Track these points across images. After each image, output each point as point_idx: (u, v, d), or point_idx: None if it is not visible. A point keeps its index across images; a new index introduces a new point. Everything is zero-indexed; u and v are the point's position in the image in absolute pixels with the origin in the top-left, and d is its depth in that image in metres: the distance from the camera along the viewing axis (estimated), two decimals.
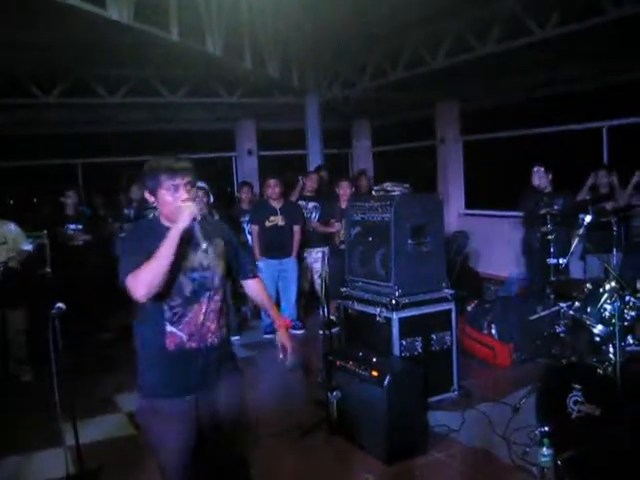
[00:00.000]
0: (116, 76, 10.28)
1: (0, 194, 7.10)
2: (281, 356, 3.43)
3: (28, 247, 7.08)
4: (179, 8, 6.65)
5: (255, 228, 8.51)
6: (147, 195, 3.07)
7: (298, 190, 9.38)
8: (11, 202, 7.31)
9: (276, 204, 8.45)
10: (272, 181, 8.48)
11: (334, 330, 6.69)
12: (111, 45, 8.12)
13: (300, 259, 8.84)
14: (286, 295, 8.53)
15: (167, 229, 2.91)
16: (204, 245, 2.92)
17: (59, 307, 3.83)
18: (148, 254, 2.82)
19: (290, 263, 8.52)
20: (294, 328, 8.34)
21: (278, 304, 8.30)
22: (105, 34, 7.27)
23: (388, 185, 5.94)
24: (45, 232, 8.24)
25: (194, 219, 2.88)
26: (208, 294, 3.07)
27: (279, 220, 8.40)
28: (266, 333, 8.38)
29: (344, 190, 8.46)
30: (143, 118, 12.12)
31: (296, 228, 8.48)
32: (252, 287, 3.49)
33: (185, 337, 3.01)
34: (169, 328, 2.98)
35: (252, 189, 9.96)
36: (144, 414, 3.09)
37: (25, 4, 6.16)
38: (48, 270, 7.89)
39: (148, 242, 2.89)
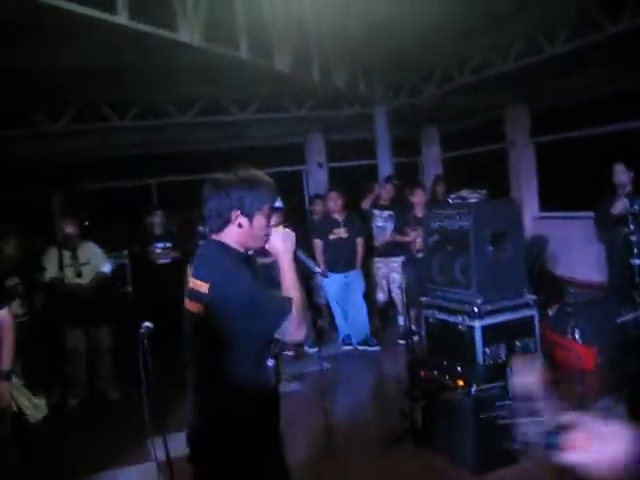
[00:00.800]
0: (187, 97, 10.49)
1: (77, 217, 7.25)
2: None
3: (107, 269, 7.27)
4: (247, 27, 6.73)
5: (319, 242, 8.44)
6: (234, 215, 2.66)
7: (373, 197, 9.34)
8: (86, 224, 7.50)
9: (339, 217, 8.44)
10: (333, 194, 8.49)
11: (415, 340, 6.66)
12: (182, 66, 8.29)
13: (366, 271, 8.80)
14: (353, 309, 8.46)
15: (244, 255, 2.74)
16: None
17: (147, 326, 3.90)
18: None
19: (356, 275, 8.49)
20: (369, 345, 8.30)
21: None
22: (176, 56, 7.42)
23: (465, 192, 5.88)
24: (125, 252, 8.46)
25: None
26: None
27: (342, 233, 8.39)
28: (344, 344, 8.39)
29: (419, 198, 8.40)
30: (213, 137, 12.29)
31: (359, 240, 8.44)
32: None
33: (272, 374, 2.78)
34: (270, 362, 2.74)
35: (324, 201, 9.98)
36: None
37: (98, 30, 6.33)
38: (129, 289, 8.07)
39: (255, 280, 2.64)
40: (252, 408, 2.67)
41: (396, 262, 8.70)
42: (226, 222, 2.68)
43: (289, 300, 2.59)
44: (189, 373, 2.87)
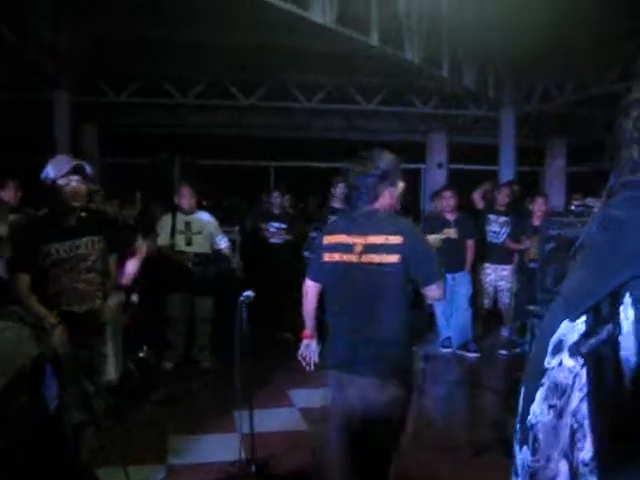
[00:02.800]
0: (313, 81, 10.54)
1: (194, 186, 7.36)
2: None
3: (224, 244, 7.36)
4: (380, 15, 6.67)
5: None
6: (384, 186, 3.32)
7: (482, 191, 9.05)
8: (204, 203, 7.64)
9: (450, 216, 8.22)
10: (448, 192, 8.26)
11: (516, 351, 6.44)
12: (310, 51, 8.32)
13: (475, 275, 8.56)
14: (457, 312, 8.23)
15: None
16: None
17: (247, 295, 3.90)
18: None
19: (463, 277, 8.26)
20: (468, 350, 8.08)
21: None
22: (306, 39, 7.45)
23: (589, 200, 5.60)
24: (237, 228, 8.57)
25: None
26: None
27: (452, 233, 8.15)
28: (443, 346, 8.21)
29: (539, 206, 8.10)
30: (337, 125, 12.31)
31: (469, 242, 8.20)
32: None
33: None
34: None
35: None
36: None
37: (229, 6, 6.42)
38: (237, 264, 8.15)
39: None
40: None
41: (506, 270, 8.43)
42: (379, 193, 3.32)
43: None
44: (346, 311, 3.41)
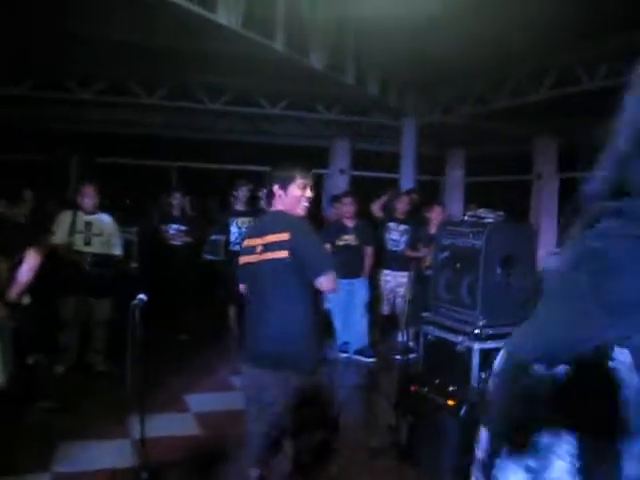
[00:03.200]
0: (218, 84, 10.47)
1: (97, 186, 7.20)
2: None
3: (118, 251, 7.22)
4: (286, 21, 6.70)
5: (327, 247, 8.30)
6: (276, 188, 3.80)
7: (381, 203, 9.18)
8: (105, 202, 7.47)
9: (349, 223, 8.32)
10: (348, 199, 8.37)
11: (411, 356, 6.56)
12: (216, 53, 8.27)
13: (373, 281, 8.69)
14: (354, 317, 8.32)
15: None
16: None
17: (141, 298, 3.84)
18: None
19: (361, 283, 8.37)
20: (366, 356, 8.20)
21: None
22: (212, 41, 7.40)
23: (482, 211, 5.76)
24: (135, 229, 8.43)
25: None
26: None
27: (352, 240, 8.26)
28: (340, 351, 8.30)
29: (436, 215, 8.31)
30: (241, 128, 12.28)
31: (369, 249, 8.33)
32: None
33: None
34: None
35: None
36: None
37: (136, 5, 6.31)
38: (134, 265, 8.02)
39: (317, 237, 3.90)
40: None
41: (405, 277, 8.59)
42: (273, 196, 3.86)
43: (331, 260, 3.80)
44: (255, 308, 3.77)
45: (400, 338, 8.46)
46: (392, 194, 9.42)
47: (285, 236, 3.60)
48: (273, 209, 3.89)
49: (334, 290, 3.75)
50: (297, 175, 3.80)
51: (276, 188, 3.81)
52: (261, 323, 3.69)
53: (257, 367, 3.64)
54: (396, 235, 8.80)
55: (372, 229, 8.58)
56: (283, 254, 3.58)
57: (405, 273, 8.58)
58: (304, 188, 3.81)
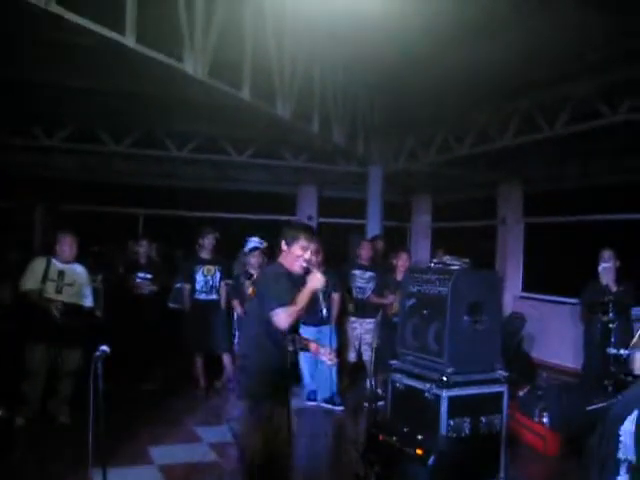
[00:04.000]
0: (185, 131, 10.52)
1: (75, 235, 7.12)
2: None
3: (89, 302, 7.11)
4: (253, 69, 6.76)
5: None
6: (283, 244, 4.35)
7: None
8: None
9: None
10: (313, 246, 8.36)
11: (380, 404, 6.52)
12: (183, 101, 8.31)
13: (341, 328, 8.64)
14: (323, 365, 8.23)
15: (290, 273, 4.30)
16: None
17: (103, 350, 3.77)
18: (289, 294, 4.11)
19: (328, 331, 8.30)
20: (334, 404, 8.11)
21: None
22: (178, 89, 7.44)
23: (448, 258, 5.80)
24: (100, 277, 8.32)
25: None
26: None
27: None
28: (308, 400, 8.20)
29: (403, 262, 8.33)
30: (208, 175, 12.32)
31: (335, 295, 8.30)
32: None
33: None
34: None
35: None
36: None
37: (104, 54, 6.33)
38: (98, 314, 7.90)
39: (285, 281, 4.20)
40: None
41: (371, 323, 8.58)
42: (280, 249, 4.42)
43: (282, 301, 4.07)
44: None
45: (368, 385, 8.43)
46: (354, 241, 9.46)
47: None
48: (278, 261, 4.41)
49: (283, 326, 4.07)
50: (302, 237, 4.33)
51: (283, 243, 4.35)
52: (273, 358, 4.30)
53: None
54: (362, 282, 8.80)
55: (339, 276, 8.57)
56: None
57: (372, 320, 8.58)
58: (305, 250, 4.32)
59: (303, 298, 4.18)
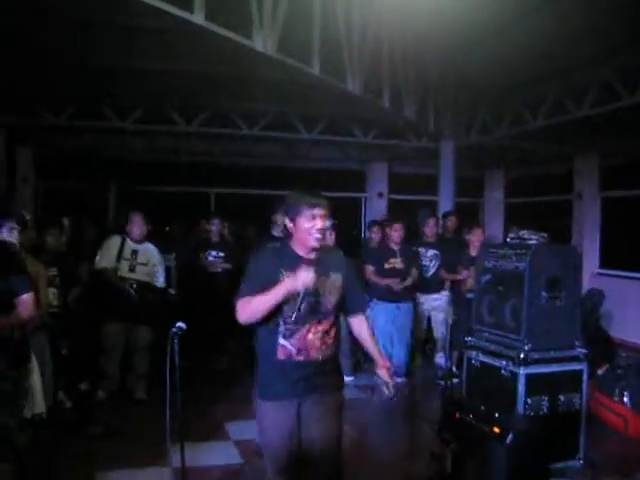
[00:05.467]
0: (255, 110, 10.54)
1: (146, 215, 7.24)
2: (386, 392, 3.78)
3: (161, 282, 7.25)
4: (322, 45, 6.69)
5: (371, 269, 8.26)
6: (287, 221, 3.54)
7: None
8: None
9: (395, 247, 8.27)
10: (398, 225, 8.31)
11: (455, 381, 6.44)
12: (253, 79, 8.31)
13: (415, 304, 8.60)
14: (400, 338, 8.24)
15: (296, 255, 3.50)
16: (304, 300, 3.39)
17: (180, 326, 3.80)
18: (267, 280, 3.38)
19: (407, 306, 8.28)
20: (398, 375, 8.10)
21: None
22: (248, 67, 7.44)
23: (525, 233, 5.65)
24: (173, 255, 8.44)
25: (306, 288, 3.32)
26: (318, 318, 3.50)
27: (398, 263, 8.21)
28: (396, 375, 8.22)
29: (477, 237, 8.20)
30: (278, 153, 12.32)
31: (414, 271, 8.25)
32: (356, 324, 3.85)
33: (294, 350, 3.47)
34: (281, 341, 3.47)
35: (383, 229, 9.69)
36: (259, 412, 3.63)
37: (173, 34, 6.37)
38: (172, 292, 8.03)
39: (271, 267, 3.46)
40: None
41: (438, 299, 8.54)
42: (286, 227, 3.62)
43: (248, 291, 3.44)
44: None
45: (442, 362, 8.37)
46: (422, 216, 9.34)
47: None
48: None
49: (240, 319, 3.51)
50: (303, 204, 3.47)
51: (287, 221, 3.55)
52: None
53: None
54: (425, 261, 8.74)
55: (416, 253, 8.53)
56: None
57: (438, 295, 8.53)
58: (313, 219, 3.45)
59: (272, 295, 3.35)
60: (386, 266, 8.18)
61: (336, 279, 3.58)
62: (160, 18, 5.12)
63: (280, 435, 3.48)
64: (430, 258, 8.73)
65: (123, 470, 5.09)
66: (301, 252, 3.52)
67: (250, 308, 3.41)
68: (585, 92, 8.44)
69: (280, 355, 3.47)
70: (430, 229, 8.88)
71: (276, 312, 3.42)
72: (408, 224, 8.59)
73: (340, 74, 7.22)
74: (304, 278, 3.29)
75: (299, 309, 3.37)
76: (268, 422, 3.55)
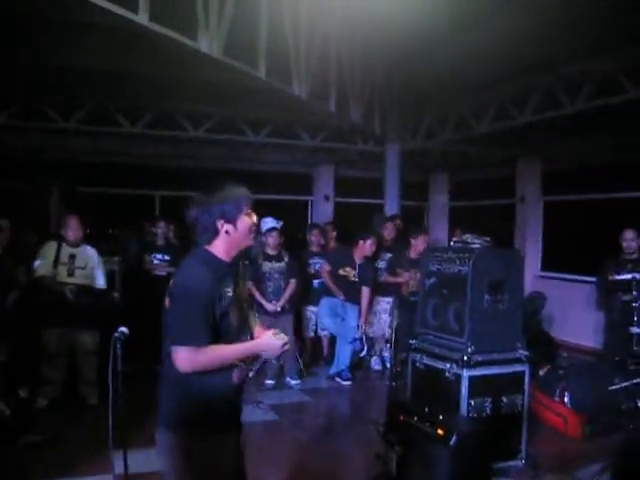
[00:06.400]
0: (201, 112, 10.47)
1: (83, 217, 7.12)
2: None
3: (101, 283, 7.12)
4: (268, 49, 6.68)
5: (327, 268, 8.45)
6: (219, 223, 3.02)
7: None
8: (88, 231, 7.34)
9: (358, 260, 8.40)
10: (370, 240, 8.33)
11: (398, 384, 6.49)
12: (199, 81, 8.25)
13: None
14: (345, 340, 8.34)
15: (224, 264, 3.04)
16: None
17: (122, 331, 3.74)
18: (211, 314, 2.88)
19: (354, 308, 8.37)
20: (343, 379, 8.18)
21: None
22: (194, 70, 7.39)
23: (468, 237, 5.73)
24: (117, 258, 8.33)
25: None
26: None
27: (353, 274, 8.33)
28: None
29: (421, 242, 8.30)
30: (224, 155, 12.23)
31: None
32: None
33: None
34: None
35: (322, 232, 9.75)
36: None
37: (117, 33, 6.27)
38: (116, 295, 7.91)
39: (212, 292, 2.90)
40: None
41: (386, 302, 8.64)
42: (215, 233, 3.03)
43: (198, 339, 2.84)
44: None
45: (376, 365, 8.59)
46: (377, 221, 9.42)
47: (172, 282, 3.01)
48: (207, 247, 3.07)
49: (188, 371, 2.89)
50: (244, 203, 3.09)
51: (221, 223, 3.03)
52: None
53: None
54: (382, 264, 8.83)
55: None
56: (167, 302, 2.98)
57: (383, 298, 8.63)
58: (251, 215, 3.11)
59: (237, 353, 2.98)
60: (341, 273, 8.32)
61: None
62: (104, 16, 5.03)
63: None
64: (386, 261, 8.83)
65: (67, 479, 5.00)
66: (226, 258, 3.07)
67: (211, 360, 2.89)
68: (527, 99, 8.60)
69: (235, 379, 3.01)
70: (389, 232, 9.00)
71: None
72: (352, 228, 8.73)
73: (286, 77, 7.22)
74: (274, 345, 3.03)
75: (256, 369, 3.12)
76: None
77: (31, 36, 6.92)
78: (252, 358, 3.10)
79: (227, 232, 3.03)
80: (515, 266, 5.68)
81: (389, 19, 6.94)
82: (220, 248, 3.04)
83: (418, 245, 8.30)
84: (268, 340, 3.06)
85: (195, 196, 3.16)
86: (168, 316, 2.94)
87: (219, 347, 2.90)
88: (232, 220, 3.03)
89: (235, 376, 3.01)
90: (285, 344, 3.06)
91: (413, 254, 8.22)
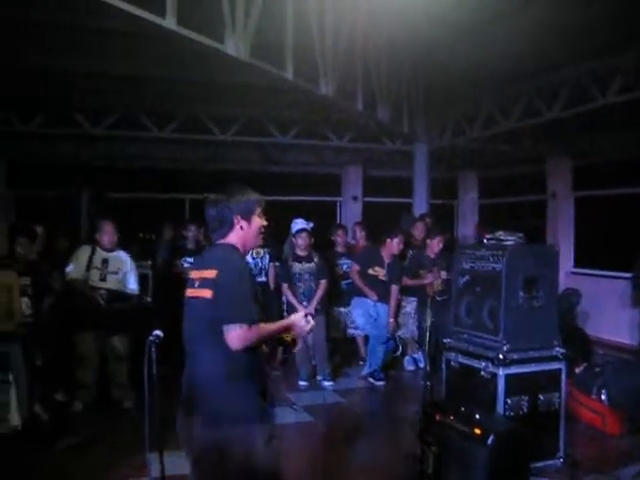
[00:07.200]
0: (228, 115, 10.50)
1: (116, 222, 7.17)
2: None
3: (133, 287, 7.14)
4: (294, 49, 6.67)
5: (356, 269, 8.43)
6: (236, 220, 3.28)
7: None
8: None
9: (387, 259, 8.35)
10: (397, 238, 8.29)
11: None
12: (226, 83, 8.27)
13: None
14: (377, 340, 8.31)
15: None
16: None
17: (157, 334, 3.73)
18: (253, 295, 3.15)
19: (385, 308, 8.31)
20: (376, 379, 8.13)
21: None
22: (221, 72, 7.40)
23: (501, 234, 5.66)
24: (149, 262, 8.36)
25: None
26: None
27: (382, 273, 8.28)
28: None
29: (437, 243, 8.30)
30: (252, 157, 12.29)
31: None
32: None
33: None
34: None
35: (347, 232, 9.71)
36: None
37: (146, 38, 6.30)
38: (148, 299, 7.95)
39: (252, 283, 3.30)
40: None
41: (412, 302, 8.59)
42: (231, 227, 3.30)
43: (251, 317, 3.05)
44: (187, 354, 3.43)
45: (409, 365, 8.54)
46: (406, 220, 9.36)
47: (212, 273, 3.13)
48: (223, 241, 3.32)
49: (236, 347, 3.04)
50: (256, 203, 3.35)
51: (238, 219, 3.28)
52: (188, 366, 3.44)
53: (186, 413, 3.42)
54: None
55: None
56: (207, 294, 3.12)
57: (410, 298, 8.59)
58: (262, 217, 3.37)
59: (276, 329, 3.31)
60: (370, 271, 8.28)
61: None
62: (132, 21, 5.05)
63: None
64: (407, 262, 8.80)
65: None
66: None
67: (258, 336, 3.09)
68: (556, 93, 8.50)
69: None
70: (420, 232, 8.96)
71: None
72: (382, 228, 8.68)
73: (313, 78, 7.20)
74: (307, 324, 3.32)
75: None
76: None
77: (61, 44, 6.97)
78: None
79: (241, 227, 3.29)
80: (549, 262, 5.61)
81: (414, 12, 6.87)
82: (233, 241, 3.30)
83: (434, 246, 8.27)
84: (299, 319, 3.31)
85: (213, 195, 3.39)
86: (214, 302, 3.10)
87: (261, 325, 3.12)
88: (247, 218, 3.30)
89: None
90: (311, 328, 3.34)
91: (431, 252, 8.22)
